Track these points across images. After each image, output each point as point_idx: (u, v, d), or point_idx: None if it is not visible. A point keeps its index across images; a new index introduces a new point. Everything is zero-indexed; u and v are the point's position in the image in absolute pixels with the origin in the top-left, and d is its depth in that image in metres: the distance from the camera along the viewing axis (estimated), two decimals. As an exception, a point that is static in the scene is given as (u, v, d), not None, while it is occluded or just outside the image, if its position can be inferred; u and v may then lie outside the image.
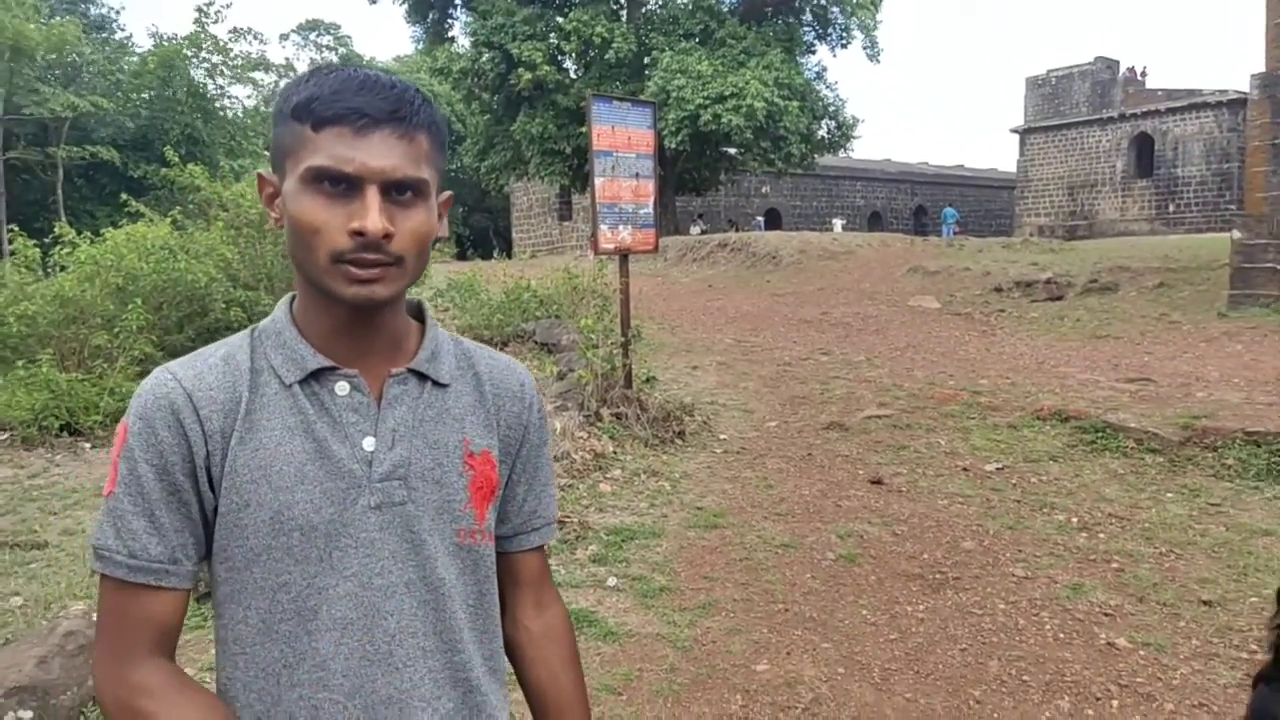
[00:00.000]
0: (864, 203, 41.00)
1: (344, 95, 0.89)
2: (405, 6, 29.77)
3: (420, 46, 33.56)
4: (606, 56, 26.17)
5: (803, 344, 10.30)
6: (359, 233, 0.88)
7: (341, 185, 0.89)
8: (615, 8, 28.34)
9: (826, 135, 28.04)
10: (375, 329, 0.97)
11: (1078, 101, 32.71)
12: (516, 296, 9.33)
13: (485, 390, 1.04)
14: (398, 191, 0.90)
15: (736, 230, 27.30)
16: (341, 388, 0.95)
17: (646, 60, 27.24)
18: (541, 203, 40.43)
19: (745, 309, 13.81)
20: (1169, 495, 4.97)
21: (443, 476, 0.98)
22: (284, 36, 54.66)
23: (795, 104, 24.64)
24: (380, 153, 0.89)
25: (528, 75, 26.24)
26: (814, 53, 28.29)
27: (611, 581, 4.07)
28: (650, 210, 6.79)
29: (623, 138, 6.55)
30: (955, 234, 28.69)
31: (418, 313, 1.06)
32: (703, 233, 27.87)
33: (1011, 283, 13.30)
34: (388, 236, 0.89)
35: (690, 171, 30.24)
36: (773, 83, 24.04)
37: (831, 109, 27.50)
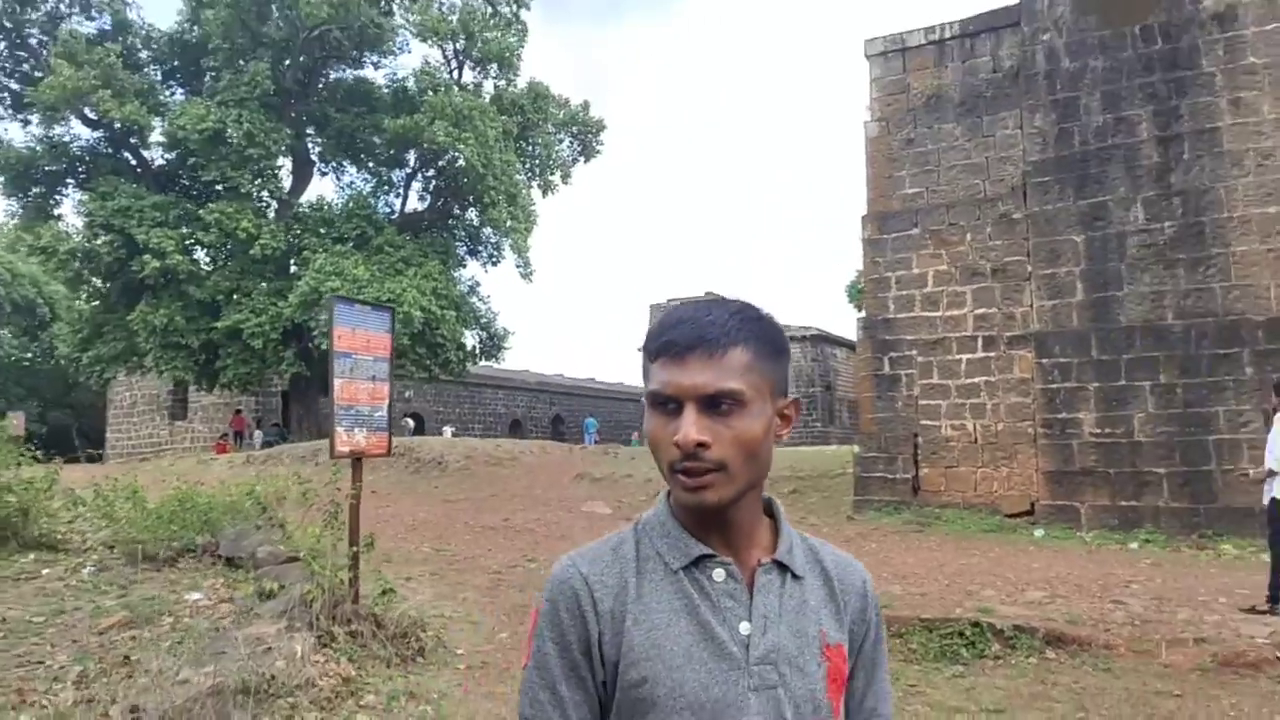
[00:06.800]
0: (505, 410, 42.51)
1: (665, 332, 1.07)
2: (1, 179, 26.13)
3: (17, 221, 29.58)
4: (251, 251, 25.18)
5: (498, 551, 10.28)
6: (677, 444, 1.02)
7: (670, 405, 1.04)
8: (261, 205, 27.68)
9: (478, 345, 29.16)
10: (730, 524, 1.08)
11: (692, 330, 37.57)
12: (191, 504, 8.29)
13: (834, 585, 1.12)
14: (713, 404, 1.03)
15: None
16: (719, 574, 1.06)
17: (296, 259, 26.67)
18: (148, 399, 36.34)
19: (421, 516, 13.45)
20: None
21: (805, 665, 1.05)
22: None
23: (452, 313, 25.50)
24: (692, 373, 1.03)
25: (155, 263, 24.24)
26: (465, 266, 29.84)
27: (412, 821, 3.69)
28: (385, 413, 6.66)
29: (362, 340, 6.47)
30: (596, 441, 30.74)
31: (769, 508, 1.16)
32: (347, 436, 26.77)
33: (670, 488, 14.55)
34: (702, 445, 1.02)
35: (335, 373, 29.33)
36: (430, 292, 24.76)
37: (484, 320, 28.81)
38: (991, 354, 12.00)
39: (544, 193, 30.38)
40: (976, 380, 11.98)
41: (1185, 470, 10.63)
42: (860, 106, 13.73)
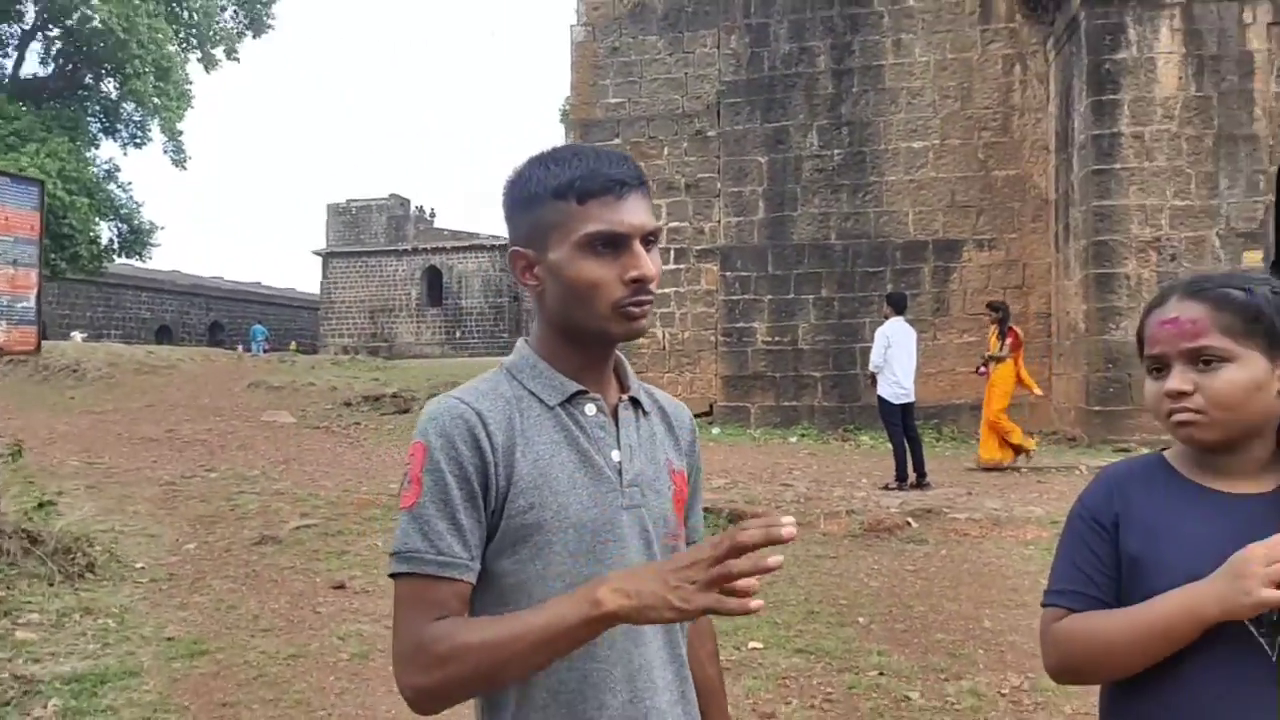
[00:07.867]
0: (150, 315, 37.74)
1: (600, 172, 1.07)
2: None
3: None
4: None
5: (166, 463, 9.24)
6: (638, 279, 1.06)
7: (614, 244, 1.06)
8: None
9: (117, 239, 25.34)
10: (608, 363, 1.16)
11: (376, 231, 35.88)
12: None
13: (672, 422, 1.24)
14: (647, 241, 1.09)
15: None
16: (590, 409, 1.12)
17: None
18: None
19: (60, 429, 11.66)
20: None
21: (660, 487, 1.15)
22: None
23: (84, 200, 21.85)
24: (638, 211, 1.08)
25: None
26: (98, 146, 25.56)
27: (105, 733, 3.29)
28: (32, 304, 5.60)
29: (-2, 211, 5.31)
30: (265, 350, 28.40)
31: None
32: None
33: (360, 398, 13.96)
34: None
35: (-78, 264, 23.97)
36: (56, 173, 20.91)
37: (124, 211, 25.04)
38: (682, 266, 12.80)
39: (206, 68, 26.76)
40: (667, 291, 12.72)
41: (836, 374, 12.24)
42: (570, 10, 13.66)
